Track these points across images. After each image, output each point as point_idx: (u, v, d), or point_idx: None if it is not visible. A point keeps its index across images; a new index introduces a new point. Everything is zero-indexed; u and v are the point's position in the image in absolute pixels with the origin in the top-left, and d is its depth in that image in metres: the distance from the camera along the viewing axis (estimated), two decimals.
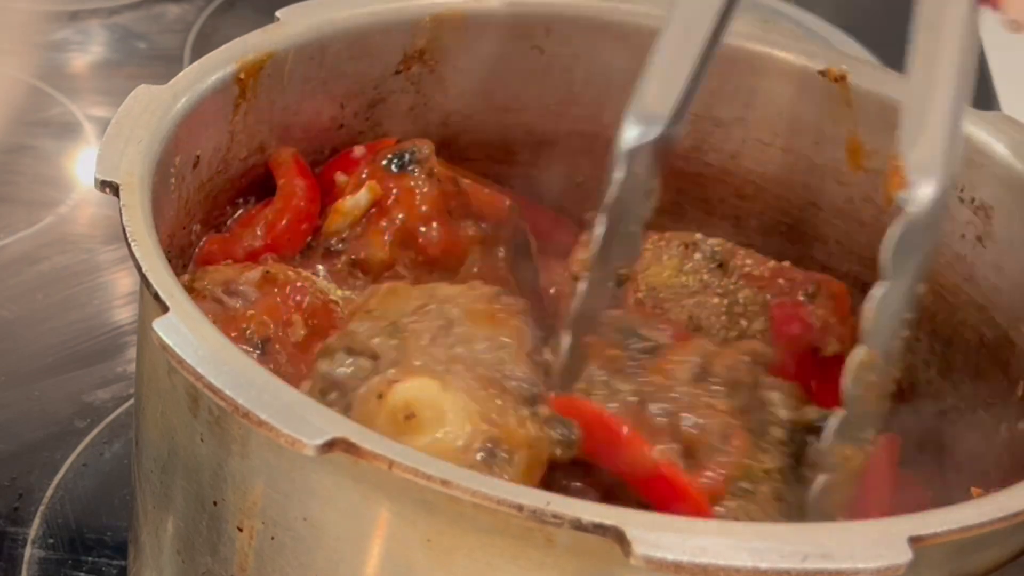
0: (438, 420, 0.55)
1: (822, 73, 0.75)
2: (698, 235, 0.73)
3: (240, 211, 0.71)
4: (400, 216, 0.71)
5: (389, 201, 0.71)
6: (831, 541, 0.47)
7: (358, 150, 0.75)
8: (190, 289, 0.62)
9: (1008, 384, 0.69)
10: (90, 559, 0.74)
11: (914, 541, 0.47)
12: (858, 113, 0.74)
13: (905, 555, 0.47)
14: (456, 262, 0.73)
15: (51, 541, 0.75)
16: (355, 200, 0.71)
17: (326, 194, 0.73)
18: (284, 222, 0.69)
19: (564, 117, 0.79)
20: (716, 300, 0.70)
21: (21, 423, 0.82)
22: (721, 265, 0.71)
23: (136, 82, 0.64)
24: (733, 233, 0.75)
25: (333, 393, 0.59)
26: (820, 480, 0.59)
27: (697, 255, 0.72)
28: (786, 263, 0.72)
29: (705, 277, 0.71)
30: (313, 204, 0.70)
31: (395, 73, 0.75)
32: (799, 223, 0.78)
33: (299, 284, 0.64)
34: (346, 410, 0.57)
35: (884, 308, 0.57)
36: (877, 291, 0.57)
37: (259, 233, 0.69)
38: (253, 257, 0.67)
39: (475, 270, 0.73)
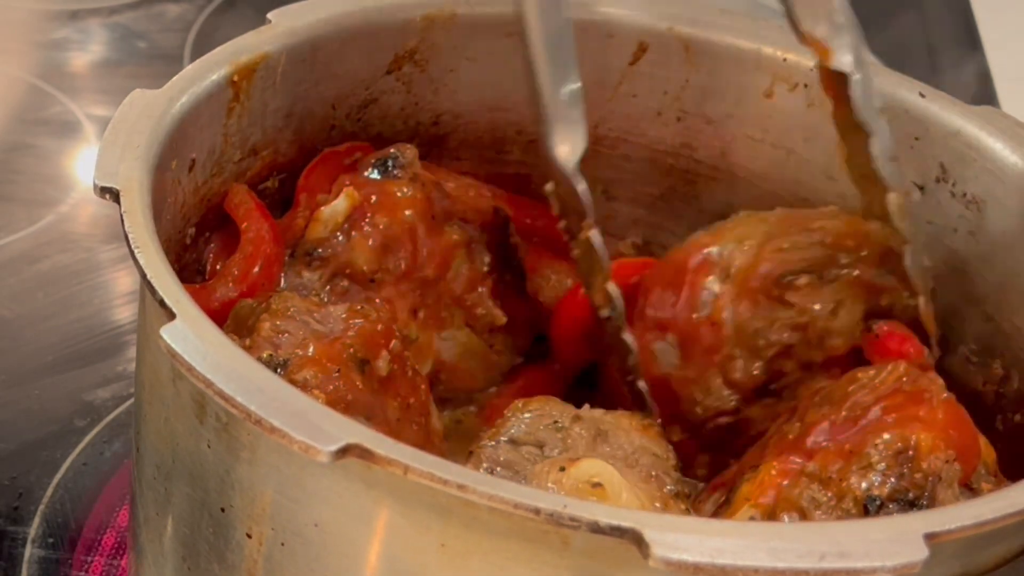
0: (619, 494, 0.58)
1: (811, 69, 0.75)
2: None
3: (212, 245, 0.71)
4: (384, 222, 0.70)
5: (372, 207, 0.70)
6: (848, 540, 0.47)
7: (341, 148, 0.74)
8: (267, 309, 0.62)
9: (1003, 376, 0.70)
10: (90, 558, 0.74)
11: (929, 538, 0.47)
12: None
13: (921, 552, 0.47)
14: (442, 268, 0.72)
15: (51, 540, 0.75)
16: (333, 208, 0.70)
17: (309, 198, 0.73)
18: (257, 269, 0.68)
19: None
20: None
21: (21, 422, 0.82)
22: None
23: (136, 81, 0.64)
24: None
25: (503, 470, 0.61)
26: None
27: None
28: None
29: None
30: (279, 245, 0.69)
31: (386, 73, 0.75)
32: None
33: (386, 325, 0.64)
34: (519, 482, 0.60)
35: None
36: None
37: (232, 283, 0.67)
38: (229, 308, 0.65)
39: (463, 271, 0.73)
